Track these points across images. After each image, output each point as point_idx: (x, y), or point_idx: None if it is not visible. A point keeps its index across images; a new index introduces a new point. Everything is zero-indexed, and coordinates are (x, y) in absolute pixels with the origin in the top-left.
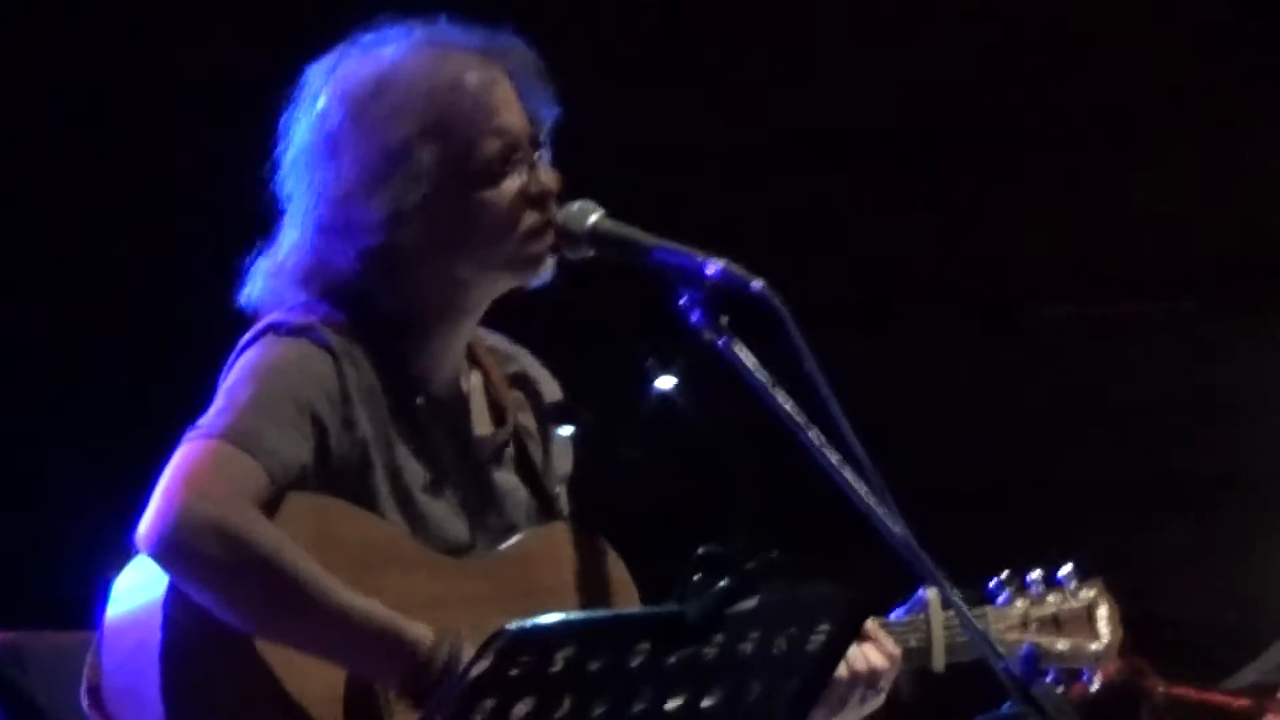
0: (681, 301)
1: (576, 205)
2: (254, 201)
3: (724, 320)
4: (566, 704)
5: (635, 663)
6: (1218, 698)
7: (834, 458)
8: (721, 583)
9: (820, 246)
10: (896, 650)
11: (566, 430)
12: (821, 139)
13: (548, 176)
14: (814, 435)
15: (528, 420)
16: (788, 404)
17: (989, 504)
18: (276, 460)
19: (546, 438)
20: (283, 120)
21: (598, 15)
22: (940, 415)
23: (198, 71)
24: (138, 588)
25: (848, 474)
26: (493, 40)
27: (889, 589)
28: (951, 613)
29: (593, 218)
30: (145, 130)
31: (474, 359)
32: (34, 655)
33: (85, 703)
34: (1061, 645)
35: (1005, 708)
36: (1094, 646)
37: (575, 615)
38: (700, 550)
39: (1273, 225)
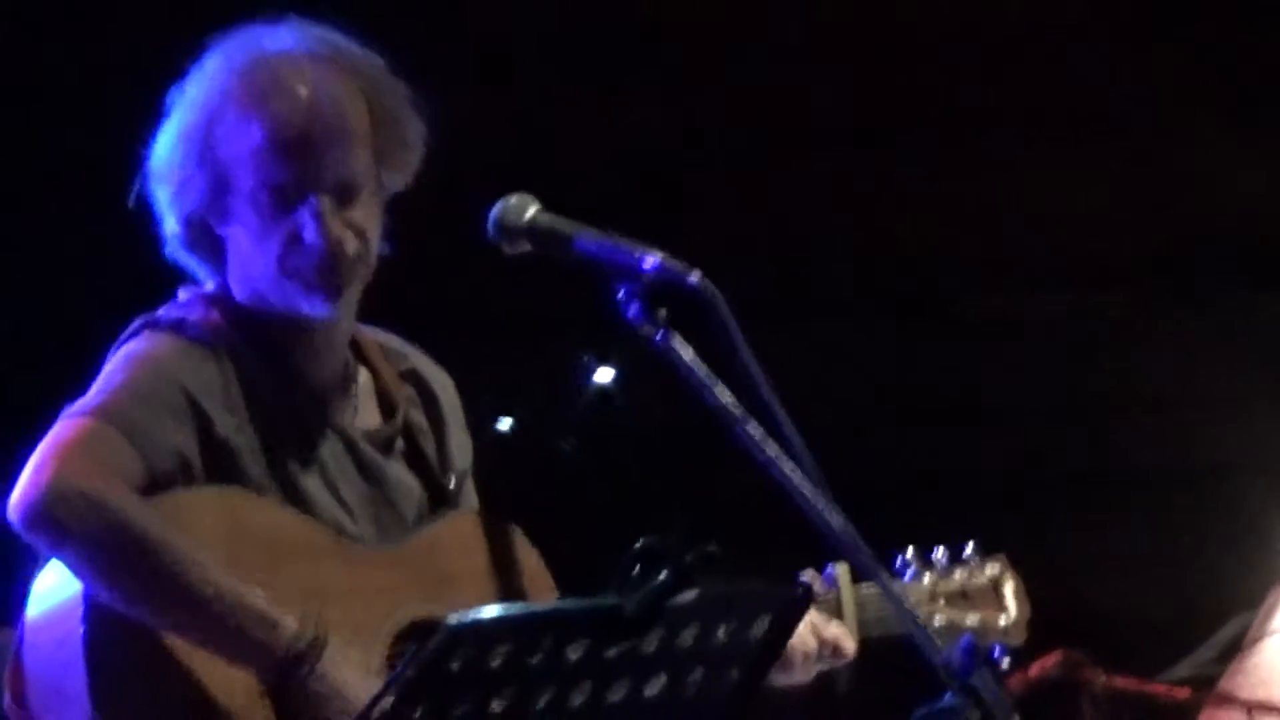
0: (618, 295)
1: (514, 199)
2: None
3: (661, 313)
4: (507, 697)
5: (575, 656)
6: (1158, 689)
7: (772, 450)
8: (660, 576)
9: (741, 241)
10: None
11: (503, 424)
12: (742, 135)
13: (317, 229)
14: (752, 428)
15: (418, 416)
16: (726, 397)
17: (916, 498)
18: (148, 442)
19: (440, 433)
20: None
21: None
22: (864, 408)
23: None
24: (57, 587)
25: (786, 466)
26: (373, 77)
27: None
28: (862, 587)
29: (530, 211)
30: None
31: (361, 357)
32: None
33: (7, 704)
34: (971, 619)
35: (946, 699)
36: (1003, 621)
37: (514, 609)
38: (638, 543)
39: (1203, 217)
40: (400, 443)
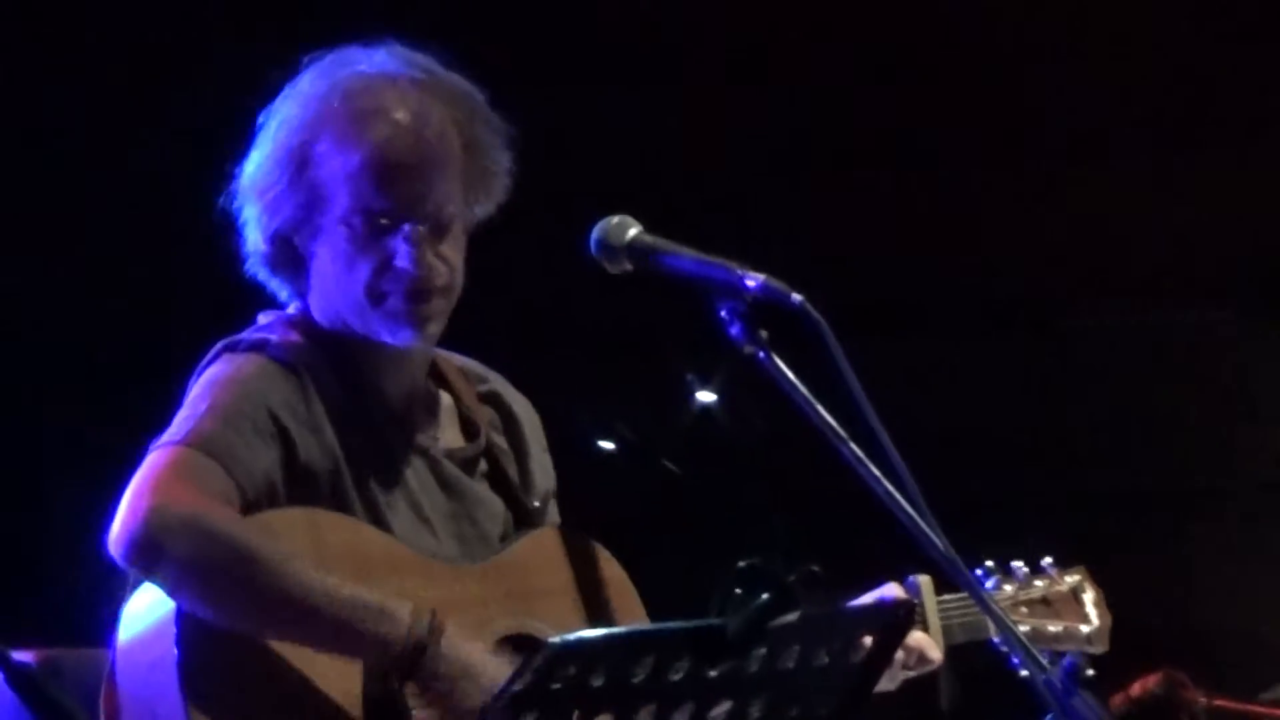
0: (721, 314)
1: (615, 220)
2: None
3: (763, 334)
4: (608, 717)
5: (676, 676)
6: (1258, 709)
7: (874, 470)
8: (762, 596)
9: (860, 251)
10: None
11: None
12: (862, 142)
13: (409, 255)
14: (853, 448)
15: (499, 438)
16: (827, 415)
17: (1028, 512)
18: (241, 467)
19: (522, 455)
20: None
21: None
22: (964, 424)
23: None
24: (148, 609)
25: (888, 486)
26: (468, 107)
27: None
28: (945, 596)
29: (631, 232)
30: (150, 125)
31: (442, 380)
32: (70, 671)
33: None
34: (1055, 627)
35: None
36: (1085, 629)
37: (617, 629)
38: (740, 564)
39: None
40: (483, 464)
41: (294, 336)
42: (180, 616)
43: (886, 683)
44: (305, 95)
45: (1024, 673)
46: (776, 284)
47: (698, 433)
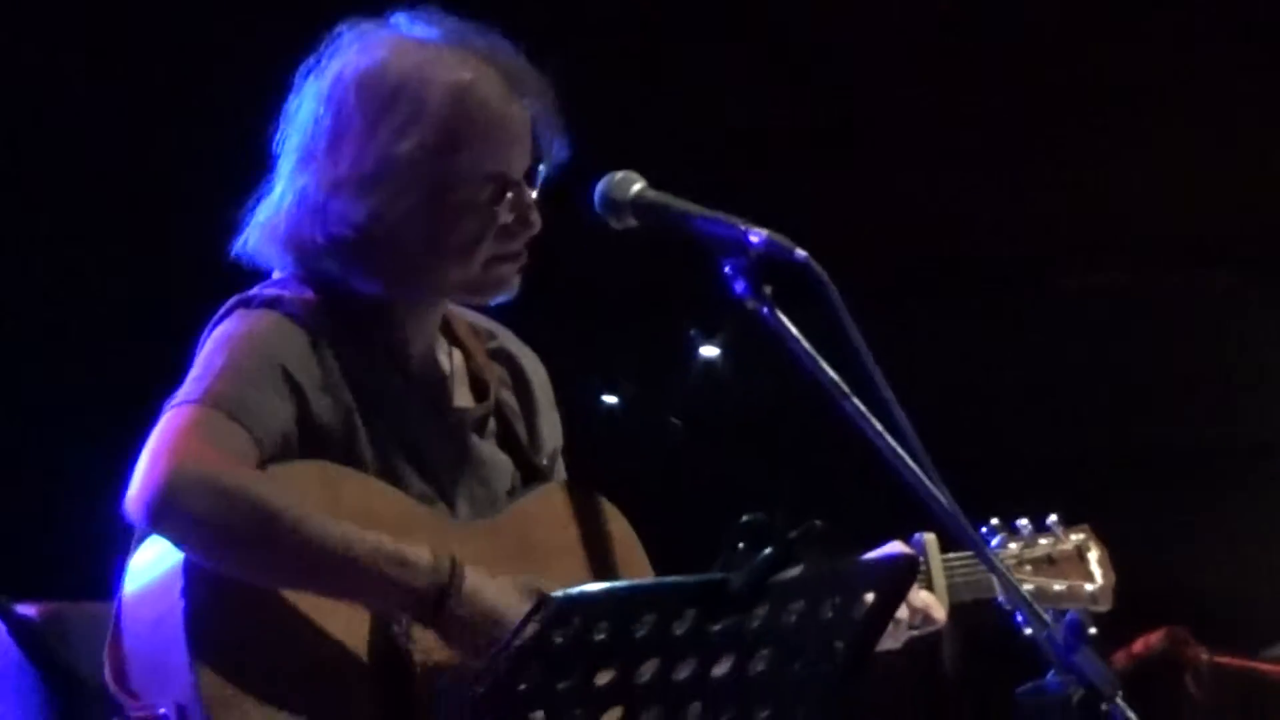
0: (725, 271)
1: (620, 175)
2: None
3: (767, 289)
4: (612, 671)
5: (680, 631)
6: (1262, 667)
7: (877, 426)
8: (765, 551)
9: (853, 217)
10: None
11: (610, 400)
12: (859, 112)
13: (531, 216)
14: (857, 403)
15: (508, 395)
16: (831, 372)
17: (1020, 473)
18: (258, 424)
19: (531, 412)
20: (300, 72)
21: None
22: (966, 384)
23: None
24: (152, 563)
25: (891, 442)
26: (519, 67)
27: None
28: (950, 555)
29: (636, 187)
30: (142, 107)
31: (453, 337)
32: (74, 625)
33: (109, 680)
34: (1059, 586)
35: (1049, 677)
36: (1090, 587)
37: (620, 584)
38: (743, 519)
39: None
40: (492, 423)
41: (308, 294)
42: (187, 569)
43: (891, 641)
44: (403, 74)
45: (1027, 631)
46: (780, 239)
47: (702, 388)
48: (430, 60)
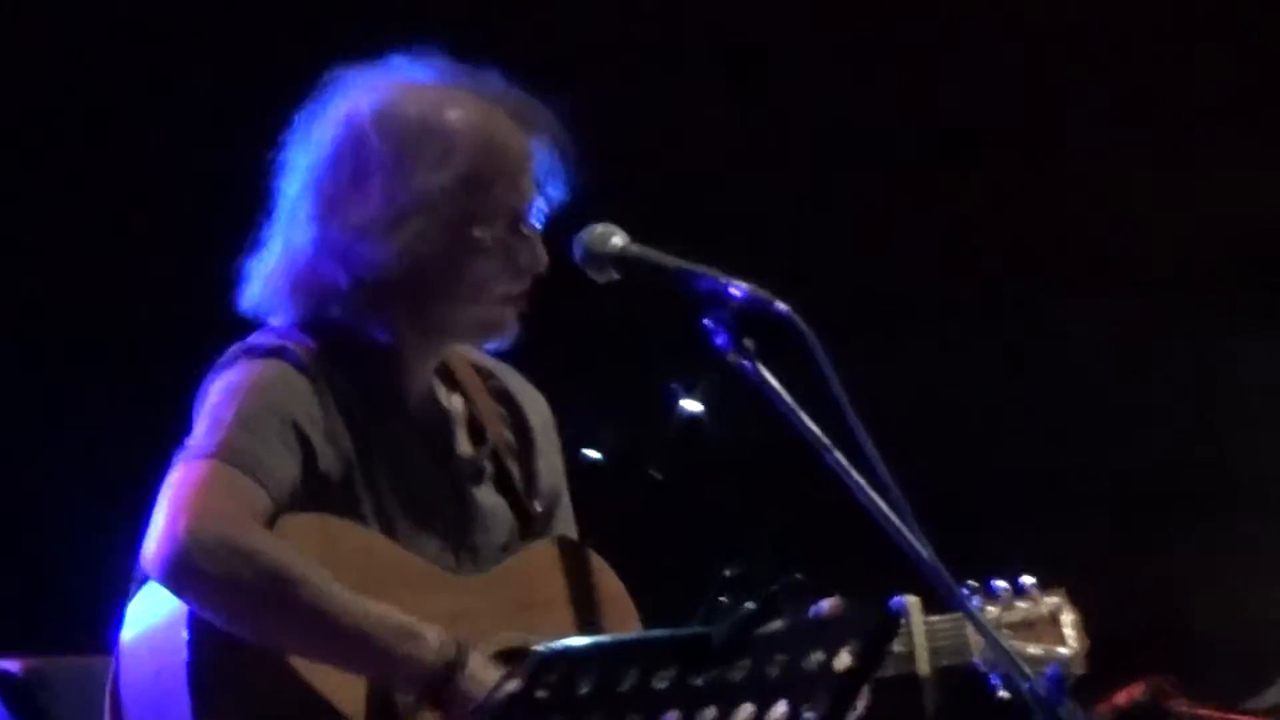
0: (706, 323)
1: (600, 228)
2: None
3: (748, 343)
4: None
5: (661, 685)
6: (1242, 718)
7: (858, 479)
8: (747, 604)
9: (838, 245)
10: None
11: (591, 454)
12: (838, 138)
13: (540, 253)
14: (838, 456)
15: (507, 435)
16: (812, 425)
17: (1002, 507)
18: (271, 476)
19: (529, 454)
20: (299, 120)
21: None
22: (948, 413)
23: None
24: (152, 611)
25: (873, 495)
26: (525, 104)
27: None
28: (933, 618)
29: (616, 240)
30: (146, 138)
31: (452, 380)
32: (59, 680)
33: None
34: (1034, 650)
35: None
36: (1064, 651)
37: (603, 638)
38: (725, 572)
39: None
40: (489, 467)
41: (310, 342)
42: (192, 622)
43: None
44: (421, 115)
45: (1002, 693)
46: (761, 293)
47: (683, 441)
48: (445, 98)
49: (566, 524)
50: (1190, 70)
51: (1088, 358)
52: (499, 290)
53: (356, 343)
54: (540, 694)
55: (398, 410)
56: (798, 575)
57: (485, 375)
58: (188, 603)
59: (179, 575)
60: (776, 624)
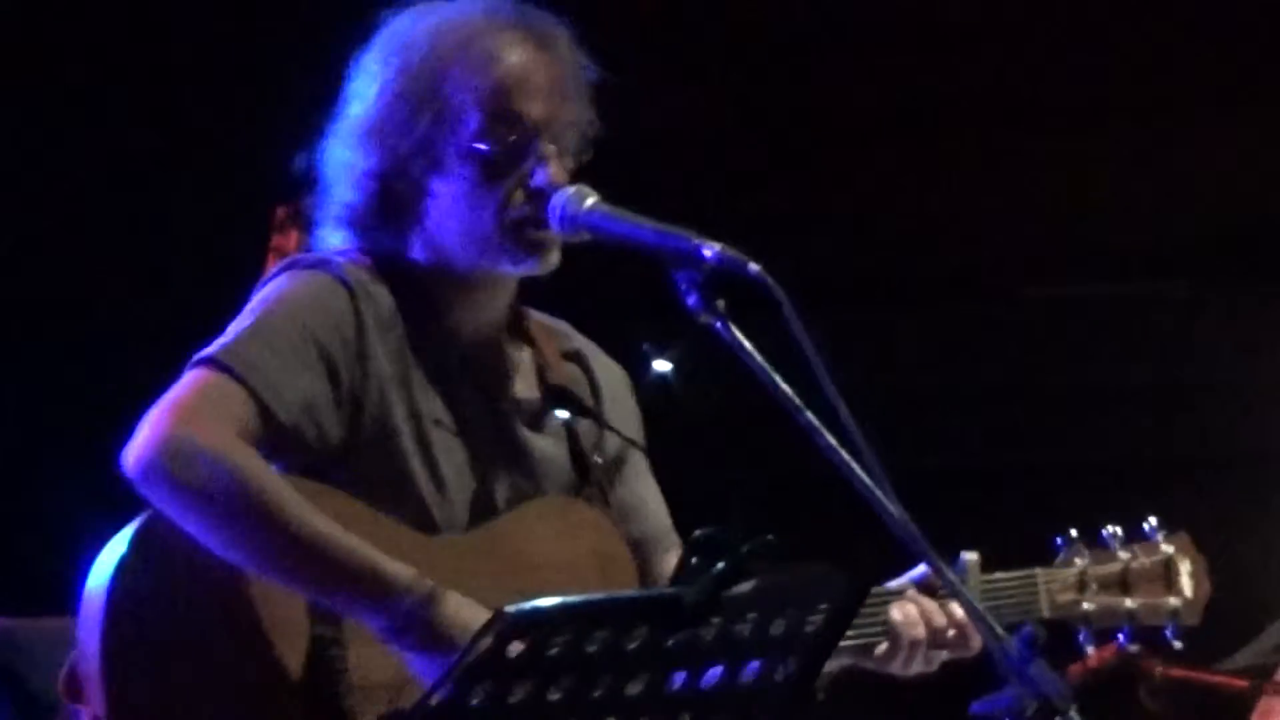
0: (678, 284)
1: (573, 189)
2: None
3: (720, 303)
4: (565, 686)
5: (633, 645)
6: (1216, 679)
7: (831, 440)
8: (718, 565)
9: (817, 225)
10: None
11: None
12: (819, 119)
13: (554, 172)
14: (810, 417)
15: (578, 395)
16: (785, 386)
17: (983, 483)
18: (271, 390)
19: (597, 414)
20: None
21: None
22: (936, 393)
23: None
24: (96, 573)
25: (845, 456)
26: (549, 29)
27: (885, 569)
28: (993, 576)
29: (589, 200)
30: (153, 129)
31: (525, 334)
32: (29, 641)
33: (62, 690)
34: (1130, 603)
35: (1004, 689)
36: (1174, 601)
37: (573, 598)
38: (696, 533)
39: (1265, 207)
40: (553, 418)
41: (367, 261)
42: (113, 583)
43: (922, 664)
44: (420, 31)
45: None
46: (734, 253)
47: (655, 402)
48: (460, 15)
49: (637, 484)
50: (1160, 62)
51: (1067, 340)
52: (507, 207)
53: (410, 269)
54: (511, 654)
55: (450, 341)
56: (769, 537)
57: (560, 338)
58: (155, 503)
59: (149, 476)
60: (748, 585)
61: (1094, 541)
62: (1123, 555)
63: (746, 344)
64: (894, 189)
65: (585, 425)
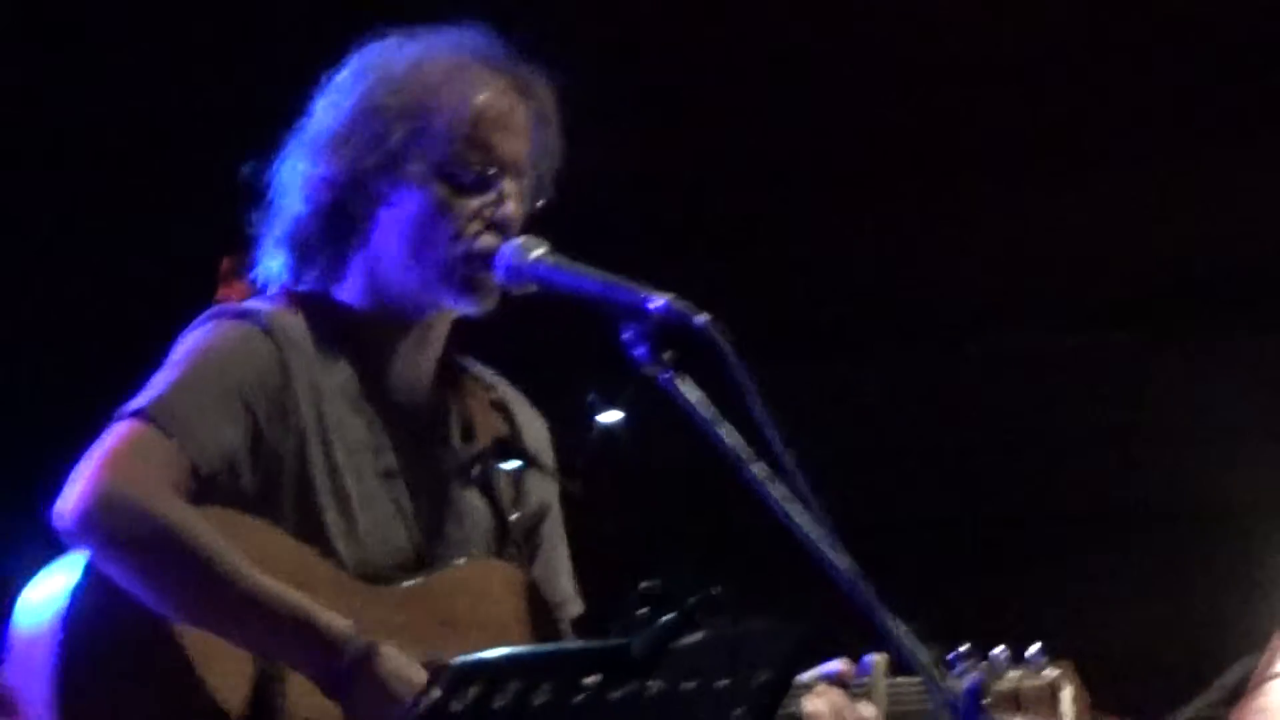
0: (625, 336)
1: (520, 239)
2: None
3: (667, 355)
4: None
5: (579, 698)
6: None
7: (779, 493)
8: (665, 617)
9: (767, 276)
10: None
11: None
12: (767, 170)
13: (513, 209)
14: (759, 470)
15: (500, 447)
16: (732, 439)
17: (929, 534)
18: (197, 445)
19: (518, 469)
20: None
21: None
22: (883, 444)
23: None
24: (42, 601)
25: (793, 509)
26: (525, 72)
27: (831, 627)
28: (896, 680)
29: (536, 252)
30: (147, 137)
31: (452, 380)
32: None
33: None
34: None
35: None
36: None
37: (521, 649)
38: (643, 584)
39: (1212, 257)
40: (477, 469)
41: (293, 309)
42: (67, 618)
43: None
44: (405, 53)
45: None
46: (681, 305)
47: (601, 453)
48: (429, 47)
49: (552, 547)
50: (1118, 105)
51: (1013, 391)
52: (462, 238)
53: (338, 315)
54: (455, 707)
55: (379, 390)
56: (716, 589)
57: (487, 387)
58: (94, 558)
59: (86, 532)
60: (694, 637)
61: (981, 658)
62: (1013, 674)
63: (693, 396)
64: (846, 239)
65: (504, 481)
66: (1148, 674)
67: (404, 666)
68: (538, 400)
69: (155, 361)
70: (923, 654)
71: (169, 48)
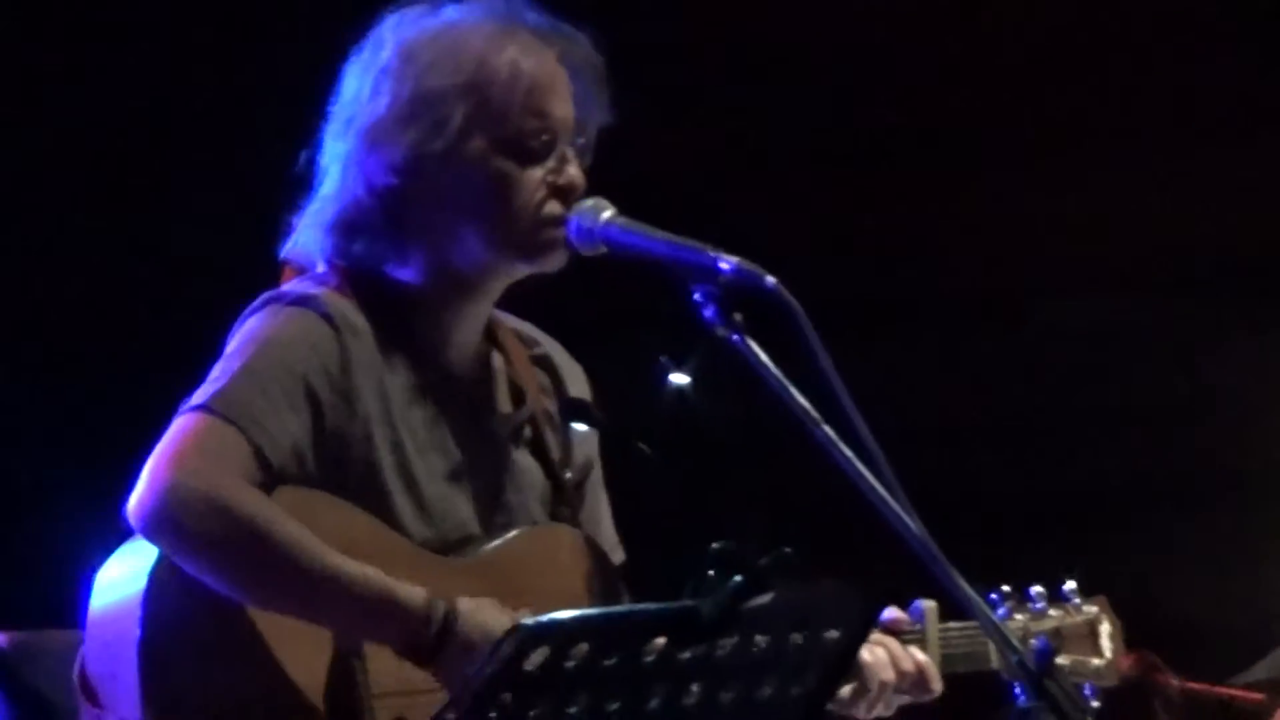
0: (695, 297)
1: (590, 202)
2: (257, 201)
3: (737, 316)
4: (581, 700)
5: (649, 659)
6: (1232, 692)
7: (848, 454)
8: (735, 579)
9: (822, 247)
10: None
11: (582, 428)
12: (823, 140)
13: (576, 173)
14: (828, 431)
15: (547, 403)
16: (802, 400)
17: (994, 505)
18: (265, 435)
19: (566, 424)
20: (342, 73)
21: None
22: (934, 415)
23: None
24: (118, 581)
25: (862, 470)
26: (562, 32)
27: (901, 585)
28: (950, 624)
29: (606, 214)
30: (147, 137)
31: (496, 341)
32: (44, 653)
33: (78, 690)
34: (1062, 660)
35: (1021, 701)
36: (1096, 662)
37: (591, 611)
38: (714, 546)
39: (1273, 223)
40: (528, 431)
41: (347, 290)
42: (147, 596)
43: (883, 709)
44: (447, 29)
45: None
46: (750, 267)
47: (672, 415)
48: (469, 16)
49: (596, 499)
50: (1173, 79)
51: (1075, 360)
52: (532, 206)
53: (391, 292)
54: (528, 668)
55: (434, 363)
56: (787, 550)
57: (529, 343)
58: (169, 554)
59: (157, 526)
60: (764, 598)
61: (1022, 599)
62: (1054, 613)
63: (764, 357)
64: (910, 206)
65: (554, 442)
66: (1219, 635)
67: (483, 619)
68: (609, 363)
69: (155, 361)
70: (993, 615)
71: (169, 48)
